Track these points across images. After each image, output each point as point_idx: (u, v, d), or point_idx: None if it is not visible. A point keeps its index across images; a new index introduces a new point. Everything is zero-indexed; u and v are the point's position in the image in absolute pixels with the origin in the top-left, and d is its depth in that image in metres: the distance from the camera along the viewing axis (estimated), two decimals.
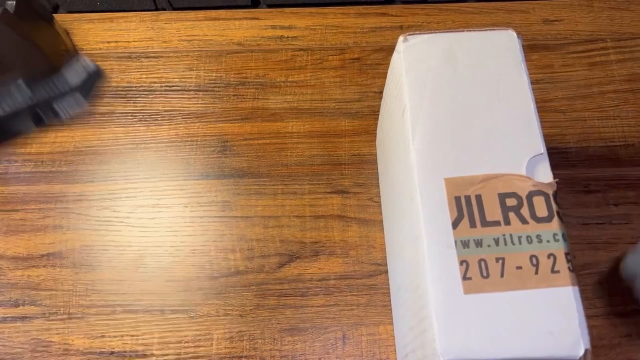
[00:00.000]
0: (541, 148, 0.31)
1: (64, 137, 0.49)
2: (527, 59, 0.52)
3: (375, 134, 0.49)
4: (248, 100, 0.50)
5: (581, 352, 0.27)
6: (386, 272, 0.44)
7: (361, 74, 0.52)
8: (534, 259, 0.29)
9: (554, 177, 0.30)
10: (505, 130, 0.31)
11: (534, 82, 0.51)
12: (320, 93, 0.51)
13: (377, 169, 0.48)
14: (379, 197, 0.47)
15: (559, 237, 0.29)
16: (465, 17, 0.54)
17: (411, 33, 0.34)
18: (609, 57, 0.52)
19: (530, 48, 0.52)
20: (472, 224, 0.29)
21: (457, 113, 0.32)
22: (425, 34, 0.34)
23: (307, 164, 0.48)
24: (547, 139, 0.49)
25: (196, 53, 0.52)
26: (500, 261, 0.29)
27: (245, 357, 0.42)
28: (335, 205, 0.47)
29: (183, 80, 0.51)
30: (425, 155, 0.31)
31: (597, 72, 0.51)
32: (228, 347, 0.42)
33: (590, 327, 0.43)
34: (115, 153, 0.49)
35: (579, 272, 0.44)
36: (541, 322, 0.27)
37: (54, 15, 0.53)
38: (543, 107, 0.50)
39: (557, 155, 0.48)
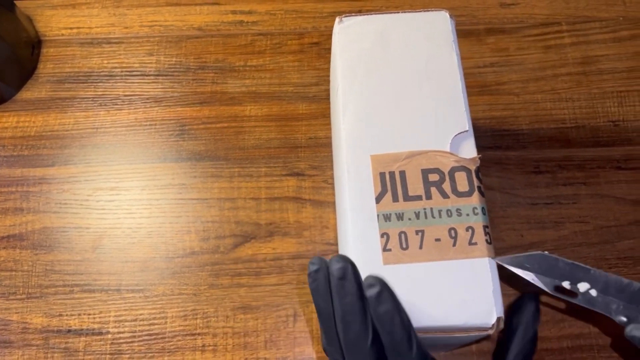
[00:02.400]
0: (466, 125, 0.32)
1: (25, 122, 0.50)
2: (483, 42, 0.52)
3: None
4: (207, 85, 0.51)
5: (493, 320, 0.28)
6: (338, 251, 0.45)
7: (319, 59, 0.52)
8: (452, 232, 0.30)
9: (478, 154, 0.31)
10: (433, 109, 0.32)
11: (489, 65, 0.52)
12: (278, 77, 0.51)
13: (332, 152, 0.49)
14: (333, 179, 0.48)
15: (479, 210, 0.30)
16: (422, 2, 0.55)
17: (347, 15, 0.35)
18: (564, 40, 0.52)
19: (487, 31, 0.53)
20: (395, 199, 0.30)
21: (387, 92, 0.33)
22: (360, 15, 0.35)
23: (264, 147, 0.49)
24: (500, 121, 0.50)
25: (157, 38, 0.53)
26: (420, 234, 0.30)
27: (199, 334, 0.43)
28: (290, 188, 0.48)
29: (143, 65, 0.52)
30: (353, 132, 0.32)
31: (551, 55, 0.52)
32: (182, 325, 0.43)
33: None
34: (76, 137, 0.49)
35: (526, 249, 0.45)
36: (457, 292, 0.29)
37: (16, 2, 0.53)
38: (497, 89, 0.51)
39: (509, 137, 0.49)
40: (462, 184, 0.30)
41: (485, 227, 0.30)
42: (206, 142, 0.49)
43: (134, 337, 0.43)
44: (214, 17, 0.54)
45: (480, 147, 0.48)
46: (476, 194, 0.30)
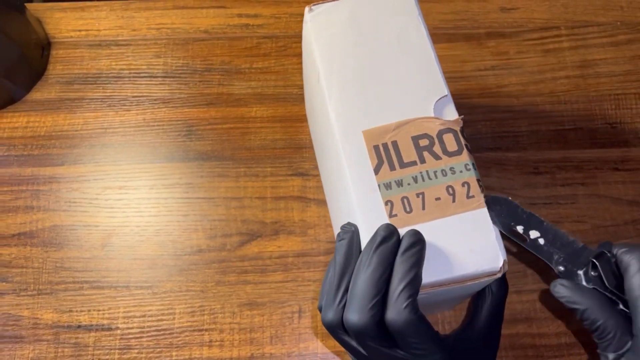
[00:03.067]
0: (444, 90, 0.33)
1: (35, 122, 0.51)
2: (484, 46, 0.54)
3: None
4: (213, 86, 0.52)
5: (500, 264, 0.30)
6: None
7: None
8: (450, 189, 0.31)
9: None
10: (411, 80, 0.34)
11: (489, 68, 0.53)
12: (283, 79, 0.53)
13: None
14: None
15: (470, 166, 0.32)
16: (425, 5, 0.56)
17: (315, 3, 0.36)
18: (562, 44, 0.54)
19: (487, 35, 0.54)
20: (392, 168, 0.32)
21: (365, 70, 0.34)
22: (328, 2, 0.37)
23: (270, 148, 0.50)
24: (500, 122, 0.51)
25: (164, 41, 0.54)
26: (421, 196, 0.31)
27: (206, 330, 0.44)
28: (295, 187, 0.49)
29: (151, 67, 0.53)
30: (342, 113, 0.33)
31: (550, 58, 0.53)
32: (189, 321, 0.44)
33: (534, 301, 0.45)
34: (85, 137, 0.50)
35: (525, 248, 0.46)
36: (463, 243, 0.30)
37: (27, 5, 0.54)
38: (498, 92, 0.52)
39: (509, 139, 0.50)
40: (451, 144, 0.32)
41: (478, 180, 0.31)
42: (213, 142, 0.50)
43: (143, 332, 0.44)
44: (220, 20, 0.55)
45: (480, 148, 0.49)
46: (465, 151, 0.32)
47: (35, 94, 0.52)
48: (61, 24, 0.55)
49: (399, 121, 0.33)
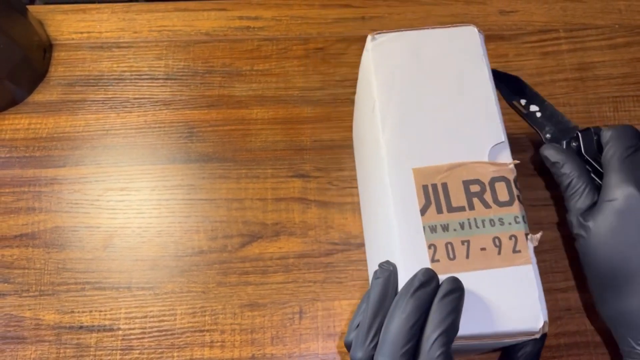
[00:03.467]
0: (502, 136, 0.33)
1: (37, 123, 0.51)
2: None
3: (337, 120, 0.51)
4: (214, 88, 0.52)
5: (540, 325, 0.29)
6: (342, 250, 0.47)
7: (324, 63, 0.54)
8: (497, 241, 0.31)
9: (515, 164, 0.32)
10: (469, 122, 0.34)
11: None
12: (284, 81, 0.53)
13: (337, 154, 0.50)
14: (339, 180, 0.49)
15: (520, 219, 0.31)
16: (424, 8, 0.56)
17: (379, 32, 0.36)
18: (561, 47, 0.54)
19: (486, 38, 0.54)
20: (439, 210, 0.31)
21: (423, 107, 0.34)
22: (392, 32, 0.37)
23: (271, 149, 0.50)
24: None
25: (165, 43, 0.54)
26: (466, 244, 0.31)
27: (207, 330, 0.44)
28: (296, 189, 0.49)
29: (152, 69, 0.53)
30: (394, 147, 0.33)
31: (549, 61, 0.54)
32: (190, 322, 0.45)
33: None
34: (86, 139, 0.51)
35: None
36: (504, 299, 0.30)
37: (29, 7, 0.55)
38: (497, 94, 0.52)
39: (509, 141, 0.50)
40: (502, 193, 0.31)
41: (526, 234, 0.31)
42: (214, 144, 0.50)
43: (144, 333, 0.44)
44: (221, 23, 0.55)
45: None
46: (516, 202, 0.31)
47: (37, 96, 0.52)
48: (63, 26, 0.55)
49: (452, 163, 0.32)
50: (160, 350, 0.44)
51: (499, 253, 0.31)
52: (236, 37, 0.55)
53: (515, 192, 0.32)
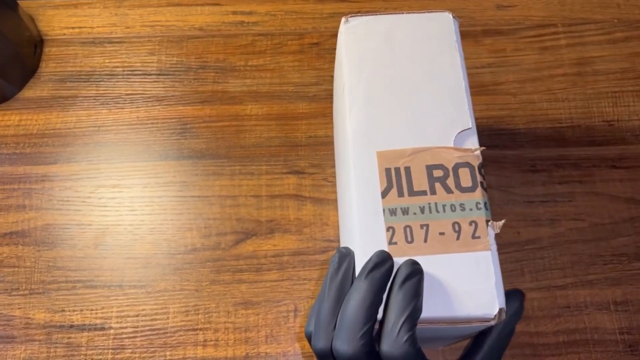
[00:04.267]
0: (469, 123, 0.33)
1: (27, 120, 0.50)
2: (481, 44, 0.53)
3: (332, 116, 0.51)
4: (208, 84, 0.52)
5: (496, 311, 0.29)
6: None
7: (319, 59, 0.53)
8: (456, 226, 0.30)
9: (481, 151, 0.32)
10: (437, 107, 0.33)
11: (486, 65, 0.52)
12: (279, 77, 0.52)
13: (332, 151, 0.49)
14: (334, 177, 0.48)
15: (481, 205, 0.31)
16: (421, 3, 0.55)
17: (352, 15, 0.36)
18: (559, 42, 0.53)
19: (483, 33, 0.54)
20: (400, 194, 0.31)
21: (393, 91, 0.34)
22: (365, 15, 0.36)
23: (265, 146, 0.50)
24: (497, 120, 0.50)
25: (158, 38, 0.54)
26: (425, 227, 0.30)
27: (200, 329, 0.44)
28: (290, 185, 0.48)
29: (145, 65, 0.53)
30: (360, 130, 0.33)
31: (547, 56, 0.53)
32: (183, 320, 0.44)
33: (532, 299, 0.45)
34: (78, 135, 0.50)
35: (522, 247, 0.46)
36: (460, 284, 0.29)
37: (20, 1, 0.54)
38: (494, 89, 0.51)
39: (506, 136, 0.50)
40: (466, 179, 0.31)
41: (487, 221, 0.30)
42: (207, 140, 0.50)
43: (136, 332, 0.44)
44: (214, 18, 0.55)
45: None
46: (479, 189, 0.31)
47: (28, 92, 0.51)
48: (54, 21, 0.54)
49: (416, 147, 0.32)
50: (152, 349, 0.43)
51: (458, 238, 0.30)
52: (230, 32, 0.54)
53: (479, 178, 0.31)
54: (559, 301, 0.44)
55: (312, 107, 0.51)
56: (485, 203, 0.31)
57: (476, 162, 0.32)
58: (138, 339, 0.43)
